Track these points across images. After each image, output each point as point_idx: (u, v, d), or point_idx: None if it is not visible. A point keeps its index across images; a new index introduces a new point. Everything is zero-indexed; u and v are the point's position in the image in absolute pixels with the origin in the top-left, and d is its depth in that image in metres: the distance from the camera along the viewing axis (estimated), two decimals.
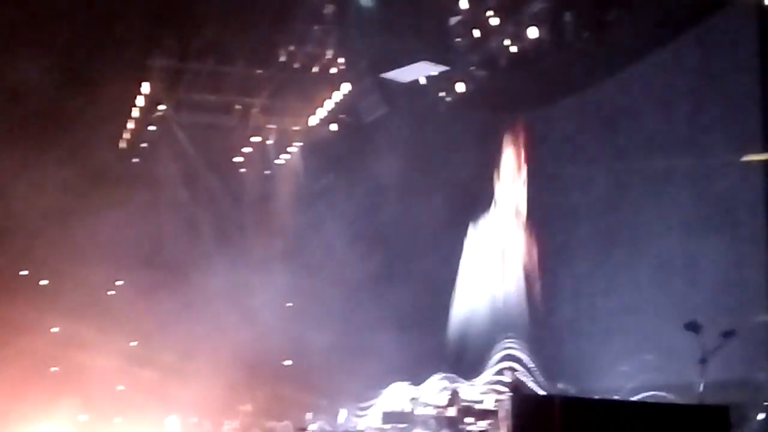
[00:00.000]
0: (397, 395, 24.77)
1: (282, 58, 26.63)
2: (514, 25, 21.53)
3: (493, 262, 27.58)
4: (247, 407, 26.89)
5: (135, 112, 28.57)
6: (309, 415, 27.23)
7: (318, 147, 30.02)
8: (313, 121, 28.64)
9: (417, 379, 25.02)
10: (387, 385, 25.69)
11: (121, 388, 30.63)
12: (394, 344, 23.92)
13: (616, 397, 18.37)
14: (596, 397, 18.32)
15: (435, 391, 23.58)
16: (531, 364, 23.84)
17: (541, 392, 22.12)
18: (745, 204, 19.89)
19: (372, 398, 26.52)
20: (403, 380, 25.11)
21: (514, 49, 21.83)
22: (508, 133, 27.11)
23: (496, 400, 20.83)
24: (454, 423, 20.70)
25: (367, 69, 24.51)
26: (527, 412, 11.43)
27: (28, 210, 25.64)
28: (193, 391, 28.00)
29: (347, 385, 27.16)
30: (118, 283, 31.37)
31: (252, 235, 31.96)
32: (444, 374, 24.46)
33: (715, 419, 10.79)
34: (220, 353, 28.08)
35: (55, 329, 30.34)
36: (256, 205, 32.00)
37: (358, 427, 25.07)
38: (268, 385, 28.76)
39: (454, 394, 21.62)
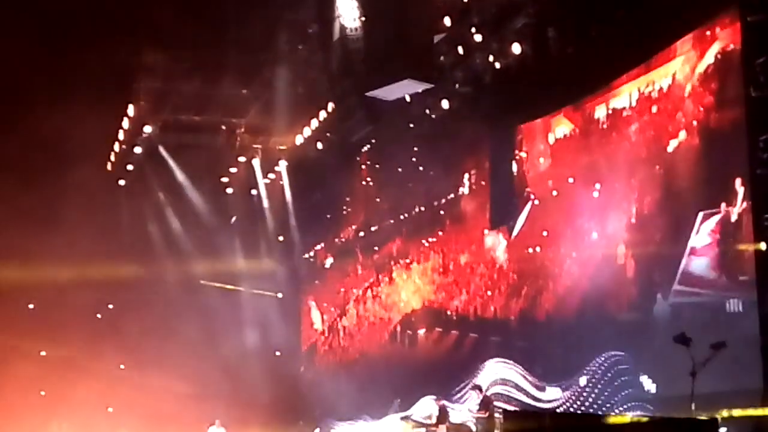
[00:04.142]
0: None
1: (267, 78, 26.64)
2: (497, 42, 21.53)
3: None
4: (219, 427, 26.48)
5: (121, 134, 28.53)
6: None
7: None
8: (299, 140, 28.60)
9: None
10: None
11: (110, 410, 30.59)
12: None
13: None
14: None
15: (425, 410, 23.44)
16: None
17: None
18: None
19: None
20: None
21: (498, 65, 21.83)
22: None
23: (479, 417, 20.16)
24: None
25: (352, 87, 24.43)
26: (517, 428, 11.47)
27: (13, 233, 25.58)
28: (180, 410, 27.92)
29: None
30: (109, 306, 31.36)
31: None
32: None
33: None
34: (209, 373, 28.07)
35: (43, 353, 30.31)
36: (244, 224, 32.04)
37: None
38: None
39: (443, 411, 21.43)
